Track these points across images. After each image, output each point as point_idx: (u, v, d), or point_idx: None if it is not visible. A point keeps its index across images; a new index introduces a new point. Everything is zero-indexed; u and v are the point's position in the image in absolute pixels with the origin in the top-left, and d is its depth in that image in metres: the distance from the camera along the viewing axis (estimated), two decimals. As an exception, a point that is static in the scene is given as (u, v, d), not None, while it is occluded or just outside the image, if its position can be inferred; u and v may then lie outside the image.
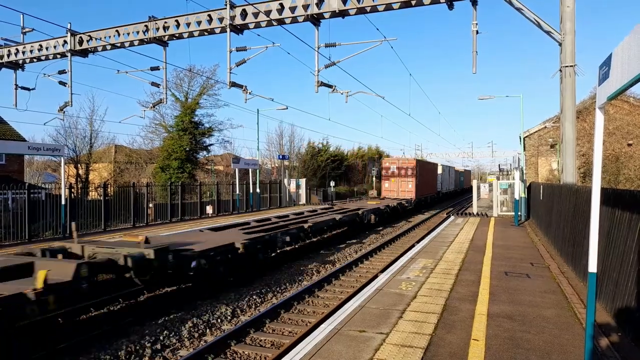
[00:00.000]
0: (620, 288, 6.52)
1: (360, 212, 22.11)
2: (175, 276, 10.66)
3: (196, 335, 8.56)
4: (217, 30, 16.74)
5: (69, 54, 19.08)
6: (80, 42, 18.97)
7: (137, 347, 7.86)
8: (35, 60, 20.53)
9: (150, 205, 23.93)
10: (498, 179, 27.54)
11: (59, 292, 7.11)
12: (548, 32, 13.95)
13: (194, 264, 9.87)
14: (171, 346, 8.02)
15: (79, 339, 8.01)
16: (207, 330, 8.85)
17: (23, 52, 20.39)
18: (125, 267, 8.62)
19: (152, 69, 19.13)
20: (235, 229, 15.05)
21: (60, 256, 9.03)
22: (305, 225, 16.16)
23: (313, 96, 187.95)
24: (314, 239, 19.01)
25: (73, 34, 18.88)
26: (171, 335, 8.48)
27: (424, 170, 37.77)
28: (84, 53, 19.35)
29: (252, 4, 15.63)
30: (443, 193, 49.79)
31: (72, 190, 21.16)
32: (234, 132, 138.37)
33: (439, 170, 47.69)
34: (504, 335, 6.10)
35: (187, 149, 37.55)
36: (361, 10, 14.64)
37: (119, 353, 7.59)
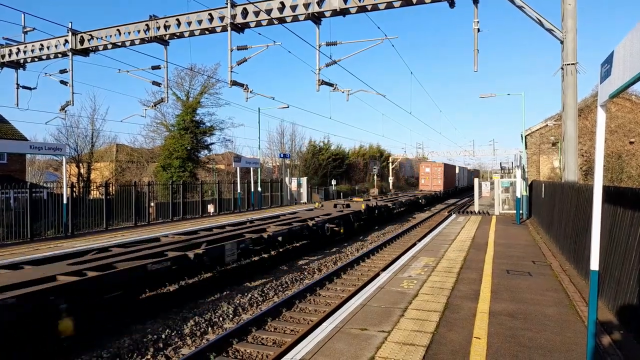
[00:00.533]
0: (622, 286, 6.51)
1: (419, 196, 38.65)
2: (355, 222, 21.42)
3: (198, 333, 8.58)
4: (218, 29, 16.74)
5: (70, 53, 19.10)
6: (82, 42, 18.98)
7: (139, 345, 7.88)
8: (36, 59, 20.55)
9: (152, 204, 23.96)
10: (501, 177, 27.75)
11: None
12: (549, 30, 13.92)
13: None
14: (173, 344, 8.04)
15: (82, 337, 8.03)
16: (209, 328, 8.87)
17: (24, 52, 20.41)
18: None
19: (153, 68, 19.15)
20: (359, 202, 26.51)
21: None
22: (390, 205, 27.96)
23: (314, 95, 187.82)
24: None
25: (74, 33, 18.89)
26: (173, 333, 8.49)
27: (447, 171, 51.94)
28: (85, 52, 19.37)
29: (253, 3, 15.63)
30: (459, 188, 63.58)
31: (74, 189, 21.21)
32: (235, 131, 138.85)
33: (457, 171, 61.99)
34: (505, 333, 6.10)
35: (189, 147, 37.57)
36: (362, 9, 14.62)
37: (121, 351, 7.61)
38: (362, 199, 28.94)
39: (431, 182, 48.22)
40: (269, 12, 15.52)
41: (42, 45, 19.96)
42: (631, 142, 26.53)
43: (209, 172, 44.34)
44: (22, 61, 20.89)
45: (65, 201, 17.46)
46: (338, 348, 5.64)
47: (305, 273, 13.78)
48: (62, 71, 19.87)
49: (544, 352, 5.46)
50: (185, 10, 17.05)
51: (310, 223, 16.64)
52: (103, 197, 20.30)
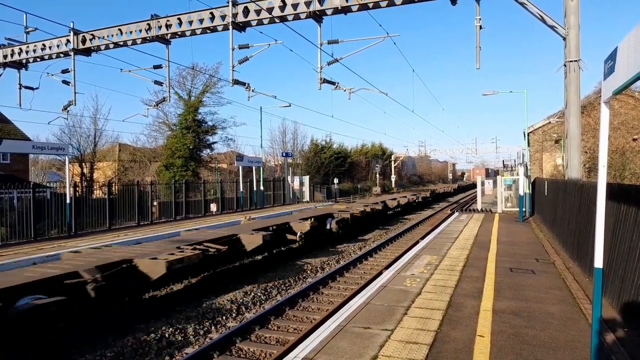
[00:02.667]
0: (626, 283, 6.48)
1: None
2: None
3: (201, 332, 8.59)
4: (220, 28, 16.72)
5: (72, 53, 19.11)
6: (83, 41, 18.99)
7: (143, 345, 7.90)
8: (38, 59, 20.58)
9: (155, 203, 23.98)
10: (492, 174, 27.89)
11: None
12: (552, 27, 13.85)
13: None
14: (176, 343, 8.06)
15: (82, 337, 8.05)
16: (212, 327, 8.88)
17: (26, 52, 20.44)
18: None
19: (155, 67, 19.14)
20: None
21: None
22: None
23: (316, 93, 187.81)
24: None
25: (76, 33, 18.90)
26: (176, 332, 8.51)
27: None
28: (87, 52, 19.37)
29: (254, 1, 15.60)
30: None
31: (77, 189, 21.23)
32: (238, 130, 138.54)
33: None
34: (509, 331, 6.08)
35: (191, 147, 37.58)
36: (363, 7, 14.58)
37: (125, 350, 7.63)
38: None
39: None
40: (270, 10, 15.50)
41: (44, 45, 19.98)
42: (634, 139, 26.43)
43: (211, 171, 44.36)
44: (24, 61, 20.92)
45: (68, 201, 17.49)
46: (341, 346, 5.64)
47: (308, 272, 13.78)
48: (64, 71, 19.88)
49: (548, 350, 5.44)
50: (187, 9, 17.03)
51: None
52: (106, 197, 20.32)
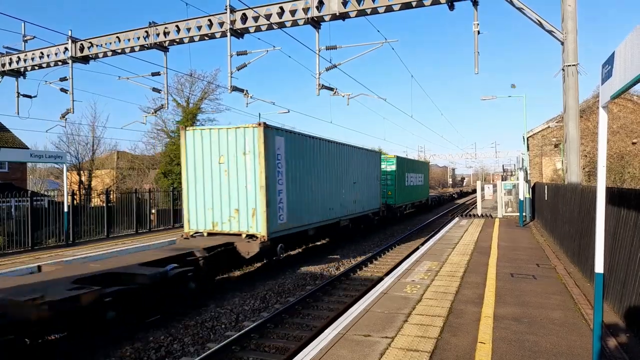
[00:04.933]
0: (627, 288, 6.44)
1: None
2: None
3: (200, 341, 8.52)
4: (218, 35, 16.74)
5: (70, 61, 19.10)
6: (81, 49, 19.00)
7: (141, 354, 7.82)
8: (36, 67, 20.57)
9: (153, 211, 23.90)
10: (505, 179, 27.84)
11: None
12: (550, 32, 13.88)
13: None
14: (175, 352, 7.98)
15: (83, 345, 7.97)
16: (212, 336, 8.81)
17: (24, 60, 20.44)
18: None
19: (153, 74, 19.12)
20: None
21: None
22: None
23: (315, 99, 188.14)
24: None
25: (74, 40, 18.92)
26: (175, 341, 8.43)
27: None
28: (85, 60, 19.38)
29: (252, 8, 15.63)
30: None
31: (75, 197, 21.17)
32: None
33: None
34: (510, 337, 6.02)
35: (190, 154, 37.50)
36: (361, 12, 14.61)
37: (123, 360, 7.55)
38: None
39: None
40: (268, 17, 15.53)
41: (42, 53, 19.99)
42: (634, 143, 26.44)
43: (210, 178, 44.24)
44: (22, 69, 20.92)
45: (66, 209, 17.44)
46: (341, 355, 5.57)
47: (308, 279, 13.71)
48: (62, 79, 19.87)
49: (550, 356, 5.38)
50: (185, 17, 17.05)
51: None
52: (104, 205, 20.26)
